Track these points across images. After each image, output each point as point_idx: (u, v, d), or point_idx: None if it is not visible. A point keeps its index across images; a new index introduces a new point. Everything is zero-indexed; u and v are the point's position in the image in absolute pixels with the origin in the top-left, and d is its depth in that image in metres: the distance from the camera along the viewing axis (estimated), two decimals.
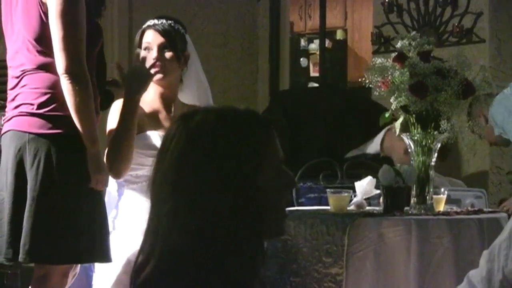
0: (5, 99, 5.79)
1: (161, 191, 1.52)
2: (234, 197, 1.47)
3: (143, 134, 3.21)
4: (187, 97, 3.37)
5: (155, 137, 3.20)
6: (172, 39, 3.27)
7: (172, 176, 1.50)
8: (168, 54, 3.26)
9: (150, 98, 3.28)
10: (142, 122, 3.22)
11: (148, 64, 3.25)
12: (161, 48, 3.26)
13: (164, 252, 1.48)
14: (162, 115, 3.28)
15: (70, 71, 2.93)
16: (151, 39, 3.27)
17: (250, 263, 1.51)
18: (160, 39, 3.26)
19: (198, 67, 3.41)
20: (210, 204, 1.47)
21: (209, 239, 1.47)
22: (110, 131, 3.19)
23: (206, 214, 1.47)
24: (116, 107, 3.23)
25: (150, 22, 3.32)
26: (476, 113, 4.59)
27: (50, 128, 2.98)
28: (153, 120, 3.26)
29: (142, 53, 3.27)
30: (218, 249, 1.47)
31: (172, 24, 3.30)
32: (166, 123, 3.25)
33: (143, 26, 3.32)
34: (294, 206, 3.45)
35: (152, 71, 3.24)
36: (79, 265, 3.17)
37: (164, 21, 3.31)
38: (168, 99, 3.29)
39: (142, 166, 3.18)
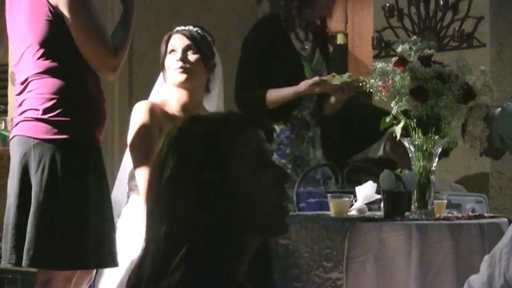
0: (5, 104, 5.80)
1: (149, 196, 1.58)
2: (209, 195, 1.50)
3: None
4: (208, 105, 3.37)
5: None
6: (197, 42, 3.28)
7: (157, 181, 1.55)
8: (193, 57, 3.25)
9: (172, 107, 3.28)
10: (160, 127, 3.22)
11: (172, 66, 3.25)
12: (185, 50, 3.26)
13: (155, 250, 1.52)
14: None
15: (108, 67, 3.03)
16: (176, 42, 3.28)
17: (232, 260, 1.52)
18: (185, 42, 3.27)
19: (220, 79, 3.42)
20: (185, 205, 1.51)
21: (185, 239, 1.49)
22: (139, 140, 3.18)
23: (183, 213, 1.51)
24: (139, 112, 3.22)
25: (176, 28, 3.33)
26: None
27: (55, 134, 2.98)
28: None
29: (168, 58, 3.27)
30: (199, 248, 1.49)
31: (199, 31, 3.31)
32: None
33: (168, 33, 3.34)
34: (294, 211, 3.44)
35: (177, 72, 3.23)
36: (93, 270, 3.16)
37: (191, 27, 3.32)
38: (189, 108, 3.26)
39: None
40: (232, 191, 1.51)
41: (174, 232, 1.50)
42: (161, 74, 3.38)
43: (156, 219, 1.54)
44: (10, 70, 5.45)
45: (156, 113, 3.22)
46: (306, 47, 4.02)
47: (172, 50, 3.28)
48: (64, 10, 2.97)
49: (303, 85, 3.82)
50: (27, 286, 4.51)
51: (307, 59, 4.01)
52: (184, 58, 3.24)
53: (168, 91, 3.34)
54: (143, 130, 3.18)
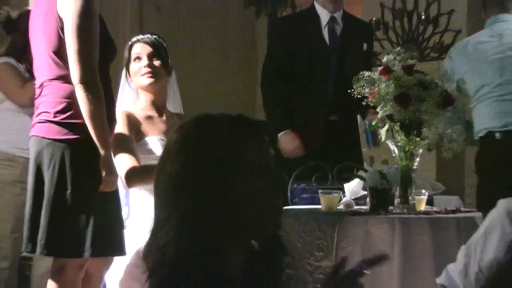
0: None
1: (160, 198, 1.61)
2: (212, 201, 1.52)
3: (143, 141, 3.39)
4: (169, 105, 3.60)
5: (154, 142, 3.38)
6: (158, 49, 3.48)
7: (166, 186, 1.58)
8: (157, 62, 3.46)
9: (142, 106, 3.48)
10: (141, 128, 3.40)
11: (139, 72, 3.47)
12: (150, 57, 3.46)
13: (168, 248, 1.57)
14: (156, 120, 3.46)
15: (84, 82, 3.08)
16: (140, 50, 3.47)
17: (238, 260, 1.61)
18: (148, 49, 3.46)
19: (175, 80, 3.64)
20: (191, 209, 1.54)
21: (190, 245, 1.54)
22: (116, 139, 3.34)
23: (189, 217, 1.54)
24: (120, 117, 3.39)
25: (136, 37, 3.52)
26: None
27: (65, 134, 3.13)
28: (149, 124, 3.43)
29: (133, 64, 3.50)
30: (204, 251, 1.54)
31: (157, 38, 3.52)
32: (161, 126, 3.45)
33: (130, 41, 3.52)
34: (289, 205, 3.51)
35: (145, 77, 3.45)
36: (111, 258, 3.28)
37: (149, 35, 3.52)
38: (158, 105, 3.49)
39: None
40: (232, 195, 1.53)
41: (180, 230, 1.54)
42: (123, 79, 3.58)
43: (163, 214, 1.57)
44: None
45: (131, 118, 3.42)
46: None
47: (137, 58, 3.48)
48: (66, 23, 3.12)
49: None
50: (23, 285, 4.61)
51: None
52: (150, 64, 3.46)
53: (135, 95, 3.56)
54: (120, 133, 3.36)
